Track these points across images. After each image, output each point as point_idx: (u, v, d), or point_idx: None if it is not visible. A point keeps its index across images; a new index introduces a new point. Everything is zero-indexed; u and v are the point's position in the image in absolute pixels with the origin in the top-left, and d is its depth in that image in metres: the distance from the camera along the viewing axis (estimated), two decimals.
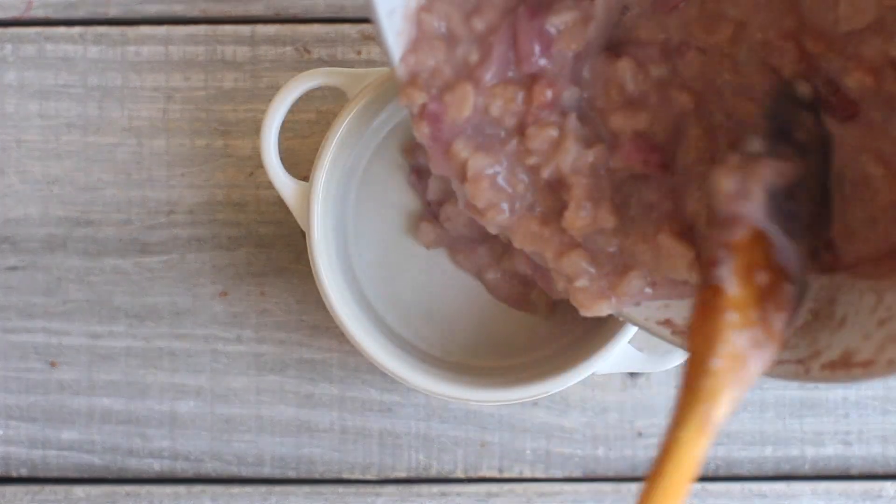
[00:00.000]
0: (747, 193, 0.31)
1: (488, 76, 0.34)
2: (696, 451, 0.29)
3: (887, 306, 0.31)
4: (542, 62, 0.34)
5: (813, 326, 0.32)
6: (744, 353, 0.30)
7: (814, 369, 0.31)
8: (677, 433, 0.29)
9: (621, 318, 0.37)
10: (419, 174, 0.49)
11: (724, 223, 0.31)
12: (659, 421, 0.51)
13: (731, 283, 0.30)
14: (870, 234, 0.32)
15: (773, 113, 0.33)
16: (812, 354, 0.32)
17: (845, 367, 0.31)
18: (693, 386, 0.30)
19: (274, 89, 0.52)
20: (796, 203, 0.32)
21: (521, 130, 0.35)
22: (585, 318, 0.47)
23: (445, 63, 0.34)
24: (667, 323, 0.36)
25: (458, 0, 0.34)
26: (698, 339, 0.30)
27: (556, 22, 0.34)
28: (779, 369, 0.32)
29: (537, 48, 0.34)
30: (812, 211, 0.33)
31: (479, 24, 0.34)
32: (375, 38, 0.52)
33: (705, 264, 0.31)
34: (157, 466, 0.52)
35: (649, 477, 0.29)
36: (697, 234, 0.34)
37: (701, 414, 0.29)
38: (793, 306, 0.31)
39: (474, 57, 0.34)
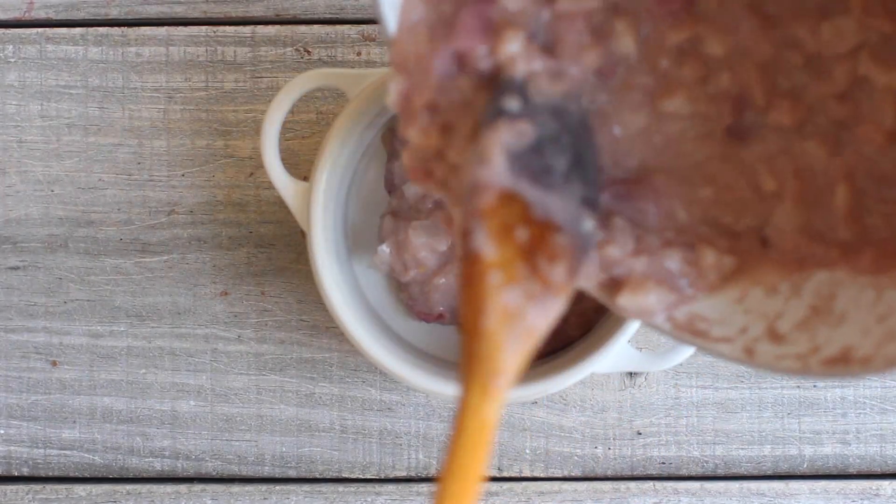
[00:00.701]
0: (484, 159, 0.31)
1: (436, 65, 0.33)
2: (486, 413, 0.29)
3: (887, 302, 0.31)
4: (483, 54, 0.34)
5: (812, 322, 0.32)
6: (517, 308, 0.30)
7: (812, 364, 0.31)
8: (465, 399, 0.30)
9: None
10: (392, 184, 0.49)
11: (470, 193, 0.31)
12: (658, 420, 0.52)
13: (487, 247, 0.30)
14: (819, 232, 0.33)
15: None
16: (811, 350, 0.32)
17: (844, 362, 0.30)
18: (471, 351, 0.30)
19: (274, 90, 0.52)
20: (546, 157, 0.32)
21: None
22: (583, 321, 0.48)
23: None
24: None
25: None
26: (467, 306, 0.30)
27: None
28: (777, 364, 0.32)
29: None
30: (570, 162, 0.33)
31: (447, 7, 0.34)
32: (378, 37, 0.52)
33: (461, 238, 0.31)
34: (157, 465, 0.52)
35: (448, 446, 0.29)
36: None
37: (483, 377, 0.30)
38: (570, 254, 0.31)
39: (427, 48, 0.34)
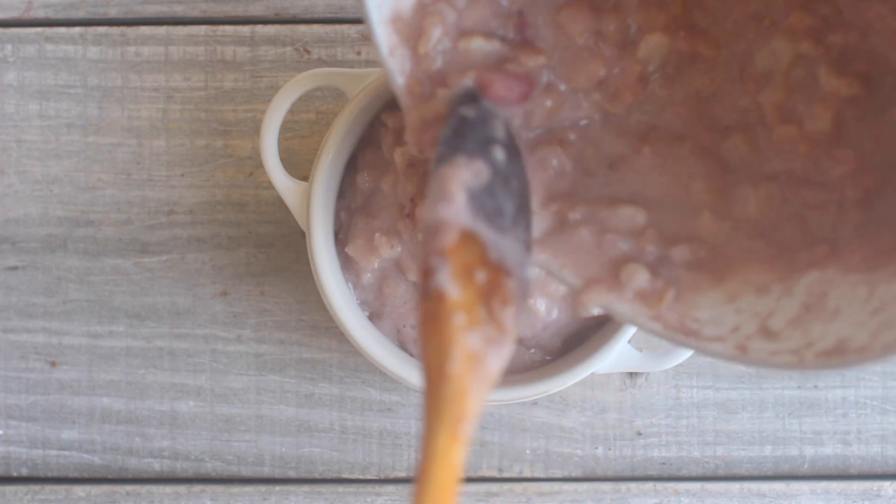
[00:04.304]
0: (446, 196, 0.31)
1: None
2: (454, 457, 0.29)
3: (880, 297, 0.31)
4: None
5: (805, 319, 0.32)
6: (479, 352, 0.30)
7: (808, 357, 0.31)
8: (431, 445, 0.29)
9: None
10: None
11: (433, 231, 0.31)
12: (659, 420, 0.52)
13: (453, 287, 0.30)
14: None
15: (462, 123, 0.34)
16: (805, 345, 0.32)
17: (840, 353, 0.30)
18: (436, 394, 0.29)
19: (274, 89, 0.52)
20: (497, 199, 0.32)
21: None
22: (584, 321, 0.48)
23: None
24: None
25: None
26: (431, 347, 0.30)
27: None
28: (772, 359, 0.32)
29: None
30: (516, 206, 0.33)
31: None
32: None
33: (423, 276, 0.31)
34: (157, 466, 0.52)
35: (417, 491, 0.29)
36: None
37: (450, 421, 0.29)
38: (517, 299, 0.31)
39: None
